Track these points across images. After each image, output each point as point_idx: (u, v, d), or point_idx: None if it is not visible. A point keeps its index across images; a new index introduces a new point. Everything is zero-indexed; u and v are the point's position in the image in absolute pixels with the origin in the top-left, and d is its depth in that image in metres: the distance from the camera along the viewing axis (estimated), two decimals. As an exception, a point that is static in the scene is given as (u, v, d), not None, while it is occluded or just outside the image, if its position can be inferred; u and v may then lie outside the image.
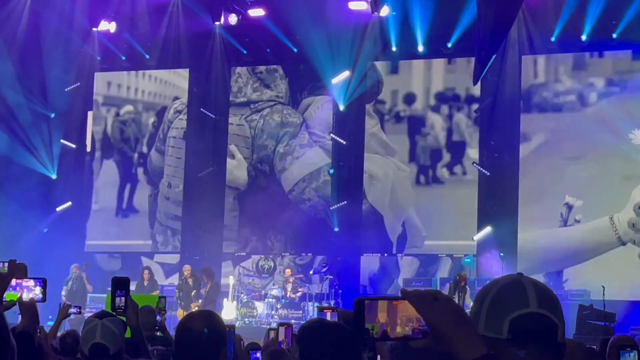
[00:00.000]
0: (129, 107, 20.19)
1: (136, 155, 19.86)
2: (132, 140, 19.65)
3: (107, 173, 19.81)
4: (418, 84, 19.32)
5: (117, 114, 20.25)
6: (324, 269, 17.95)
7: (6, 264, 3.72)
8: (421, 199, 18.73)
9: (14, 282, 3.56)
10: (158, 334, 7.72)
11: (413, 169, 18.95)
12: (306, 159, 19.45)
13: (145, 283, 17.24)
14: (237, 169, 19.77)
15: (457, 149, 18.73)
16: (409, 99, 19.20)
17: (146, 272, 17.43)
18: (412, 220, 18.65)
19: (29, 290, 3.61)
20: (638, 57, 17.74)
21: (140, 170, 19.71)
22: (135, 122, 19.93)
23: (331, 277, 17.52)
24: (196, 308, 15.23)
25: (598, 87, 17.97)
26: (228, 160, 19.85)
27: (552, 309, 2.03)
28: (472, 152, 18.56)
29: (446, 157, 18.81)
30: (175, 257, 19.46)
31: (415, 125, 19.05)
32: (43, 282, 3.64)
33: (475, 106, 18.46)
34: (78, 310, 7.19)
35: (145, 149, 19.87)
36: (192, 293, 16.58)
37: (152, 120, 19.88)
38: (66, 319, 7.97)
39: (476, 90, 18.39)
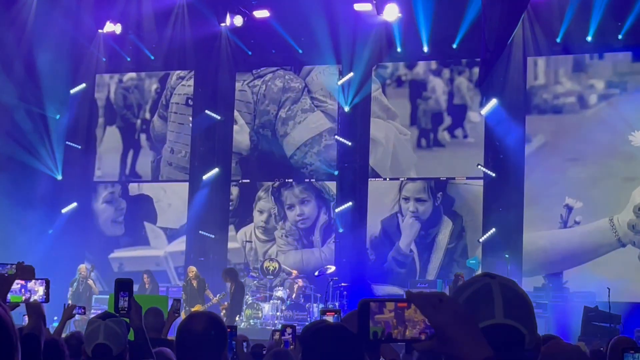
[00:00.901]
0: (131, 74, 20.41)
1: (139, 121, 20.09)
2: (134, 106, 19.86)
3: (110, 139, 20.08)
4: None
5: (120, 81, 20.42)
6: (329, 271, 17.96)
7: (14, 266, 3.73)
8: (422, 162, 18.91)
9: (18, 284, 3.57)
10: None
11: (414, 133, 19.07)
12: (308, 123, 19.67)
13: (147, 286, 17.21)
14: (239, 134, 19.97)
15: (458, 112, 18.83)
16: (411, 63, 19.29)
17: (145, 275, 17.39)
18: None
19: (33, 291, 3.63)
20: (638, 59, 17.75)
21: (143, 137, 19.90)
22: (138, 89, 20.18)
23: (336, 278, 17.53)
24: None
25: (598, 89, 17.98)
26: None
27: (519, 318, 2.01)
28: (473, 115, 18.68)
29: (447, 120, 18.90)
30: (178, 221, 19.63)
31: (417, 89, 19.16)
32: (46, 283, 3.65)
33: (476, 70, 18.50)
34: (82, 311, 7.21)
35: (148, 116, 20.09)
36: (218, 296, 16.38)
37: (154, 86, 20.16)
38: (71, 319, 7.99)
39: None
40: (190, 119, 20.45)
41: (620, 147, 17.31)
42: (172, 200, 20.12)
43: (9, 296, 3.46)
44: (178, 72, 20.70)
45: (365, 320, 1.83)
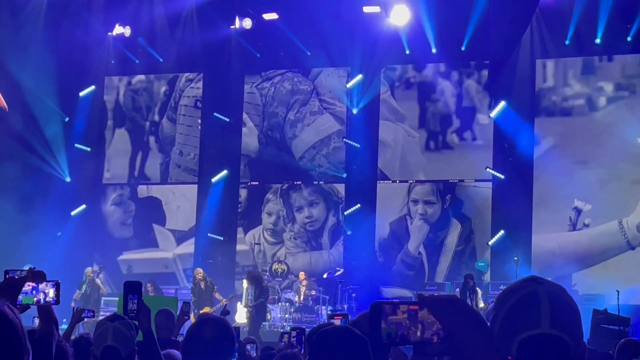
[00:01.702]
0: (140, 77, 20.46)
1: (148, 123, 20.17)
2: (143, 109, 19.90)
3: (119, 142, 20.15)
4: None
5: (129, 84, 20.47)
6: (338, 273, 17.98)
7: (24, 272, 3.74)
8: (431, 164, 19.00)
9: (29, 286, 3.59)
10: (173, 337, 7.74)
11: (423, 135, 19.12)
12: (317, 125, 19.73)
13: (151, 294, 17.22)
14: (248, 136, 20.06)
15: (467, 114, 18.88)
16: (419, 65, 19.32)
17: (149, 285, 17.40)
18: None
19: (44, 293, 3.65)
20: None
21: (152, 139, 19.98)
22: (146, 91, 20.21)
23: (344, 281, 17.52)
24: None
25: (607, 92, 17.97)
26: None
27: (565, 328, 1.96)
28: (482, 118, 18.73)
29: (456, 122, 18.91)
30: (186, 224, 19.75)
31: (425, 91, 19.20)
32: (56, 285, 3.67)
33: (484, 72, 18.49)
34: (91, 314, 7.18)
35: (157, 118, 20.18)
36: (226, 299, 16.15)
37: (163, 89, 20.23)
38: (80, 322, 8.00)
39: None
40: (199, 121, 20.53)
41: (629, 150, 17.28)
42: (180, 202, 20.17)
43: (21, 297, 3.49)
44: (187, 74, 20.78)
45: (377, 322, 1.84)
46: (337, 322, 5.52)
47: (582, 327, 2.01)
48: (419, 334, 1.84)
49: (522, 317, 1.96)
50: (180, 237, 20.06)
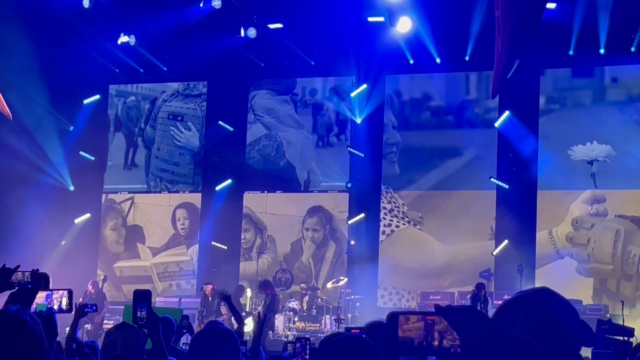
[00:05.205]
0: (132, 98, 22.23)
1: (137, 129, 22.05)
2: (134, 119, 22.17)
3: (118, 141, 22.12)
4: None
5: (125, 102, 22.11)
6: (342, 282, 17.97)
7: (28, 274, 3.75)
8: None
9: (43, 293, 3.62)
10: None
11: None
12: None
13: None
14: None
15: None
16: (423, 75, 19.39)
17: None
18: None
19: (58, 301, 3.67)
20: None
21: (139, 139, 22.01)
22: (136, 107, 22.12)
23: (349, 290, 17.50)
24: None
25: (540, 104, 18.24)
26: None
27: (538, 333, 1.97)
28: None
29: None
30: (159, 243, 21.14)
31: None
32: (69, 293, 3.69)
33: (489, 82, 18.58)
34: (94, 308, 7.09)
35: (143, 125, 22.05)
36: (252, 308, 16.30)
37: (147, 106, 21.93)
38: (83, 317, 7.98)
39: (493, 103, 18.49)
40: (204, 130, 20.76)
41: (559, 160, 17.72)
42: (155, 229, 21.40)
43: (35, 305, 3.50)
44: (163, 96, 21.35)
45: (394, 331, 1.84)
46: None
47: (561, 334, 2.02)
48: (436, 343, 1.83)
49: (501, 320, 2.00)
50: (155, 251, 21.12)
